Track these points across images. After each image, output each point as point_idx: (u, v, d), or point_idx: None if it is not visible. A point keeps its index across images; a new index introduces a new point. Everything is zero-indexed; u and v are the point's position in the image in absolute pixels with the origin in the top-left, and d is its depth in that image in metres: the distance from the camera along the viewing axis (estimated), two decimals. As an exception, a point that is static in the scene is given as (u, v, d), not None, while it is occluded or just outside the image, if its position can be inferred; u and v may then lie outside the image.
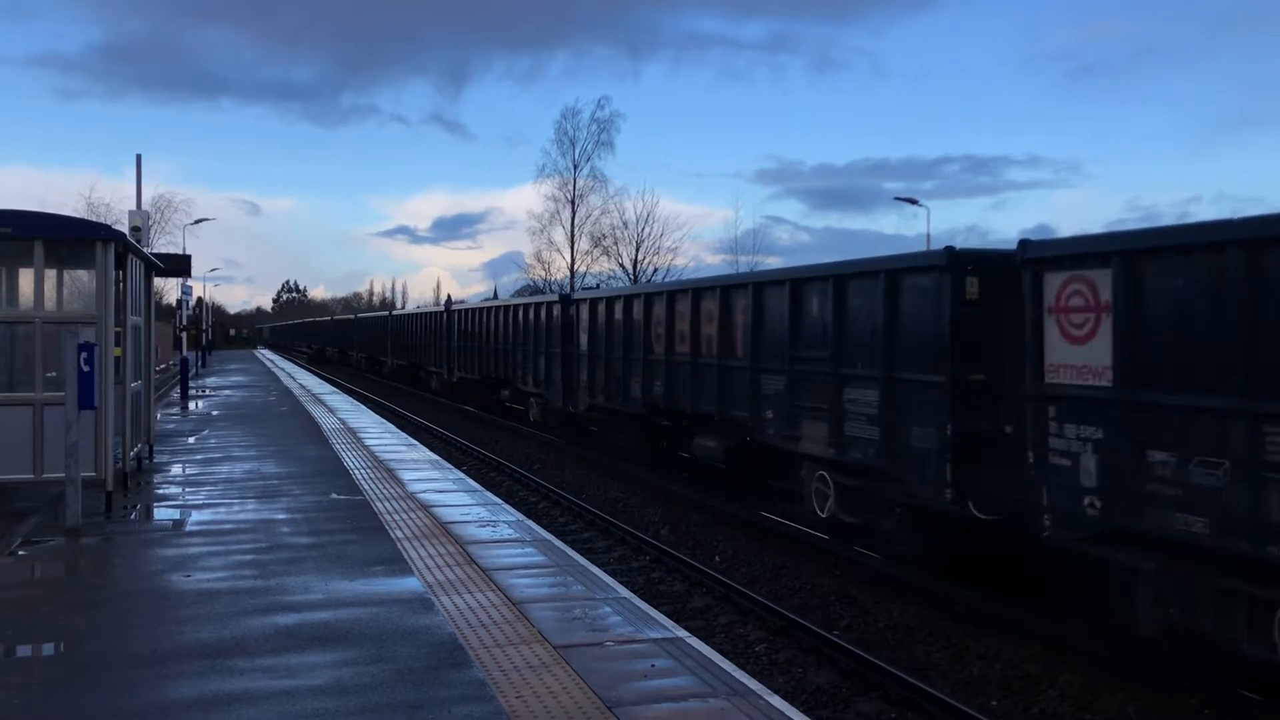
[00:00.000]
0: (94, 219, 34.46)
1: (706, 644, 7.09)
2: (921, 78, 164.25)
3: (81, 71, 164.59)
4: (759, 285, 14.94)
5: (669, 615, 8.08)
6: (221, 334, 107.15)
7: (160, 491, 13.21)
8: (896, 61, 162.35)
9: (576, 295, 25.30)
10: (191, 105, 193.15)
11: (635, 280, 51.90)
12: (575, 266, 56.34)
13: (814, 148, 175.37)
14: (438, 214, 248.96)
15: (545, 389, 25.58)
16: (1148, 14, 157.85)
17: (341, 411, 26.28)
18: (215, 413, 25.67)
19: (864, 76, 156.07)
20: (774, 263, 56.09)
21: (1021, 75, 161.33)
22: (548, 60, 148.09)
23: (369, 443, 18.83)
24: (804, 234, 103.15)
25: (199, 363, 50.52)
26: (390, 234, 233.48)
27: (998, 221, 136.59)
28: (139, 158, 28.04)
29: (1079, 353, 9.01)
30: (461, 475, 15.06)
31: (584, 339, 22.60)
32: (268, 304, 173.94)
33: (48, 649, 6.80)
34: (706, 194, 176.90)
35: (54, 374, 11.08)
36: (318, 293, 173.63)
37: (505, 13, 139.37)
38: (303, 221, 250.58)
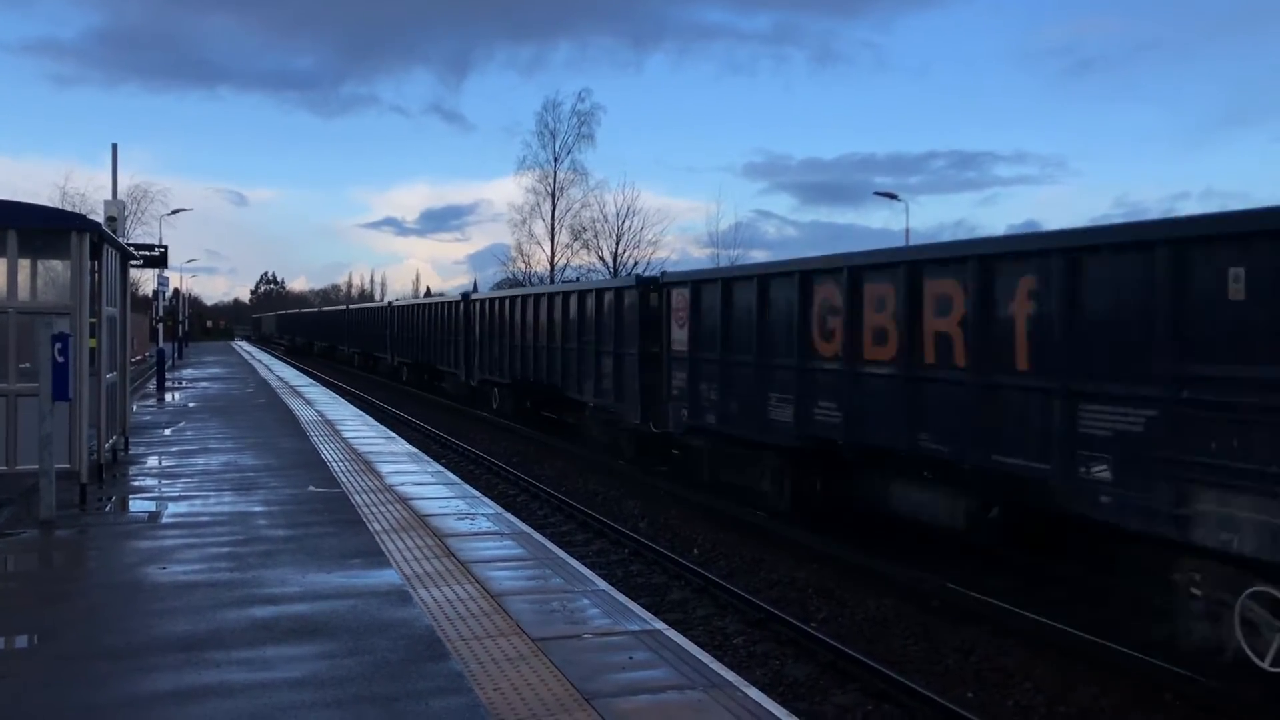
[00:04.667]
0: (68, 209, 34.09)
1: (685, 636, 7.11)
2: (923, 72, 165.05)
3: (78, 58, 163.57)
4: (565, 295, 22.88)
5: (647, 608, 8.09)
6: (199, 325, 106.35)
7: (136, 483, 13.12)
8: (899, 55, 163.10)
9: (474, 296, 32.38)
10: (189, 94, 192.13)
11: (615, 274, 51.92)
12: (555, 259, 56.34)
13: (804, 142, 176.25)
14: (426, 206, 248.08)
15: (455, 368, 33.04)
16: (1144, 11, 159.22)
17: (319, 404, 26.15)
18: (192, 405, 25.49)
19: (867, 70, 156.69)
20: (759, 256, 56.41)
21: (1022, 70, 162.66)
22: (551, 50, 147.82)
23: (347, 435, 18.76)
24: (791, 228, 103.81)
25: (175, 354, 50.15)
26: (376, 225, 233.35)
27: (987, 217, 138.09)
28: (114, 147, 27.61)
29: (680, 334, 16.61)
30: (440, 468, 15.02)
31: (478, 330, 30.16)
32: (247, 295, 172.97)
33: (21, 641, 6.75)
34: (697, 187, 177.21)
35: (27, 365, 10.97)
36: (297, 284, 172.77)
37: (511, 0, 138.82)
38: (289, 212, 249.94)
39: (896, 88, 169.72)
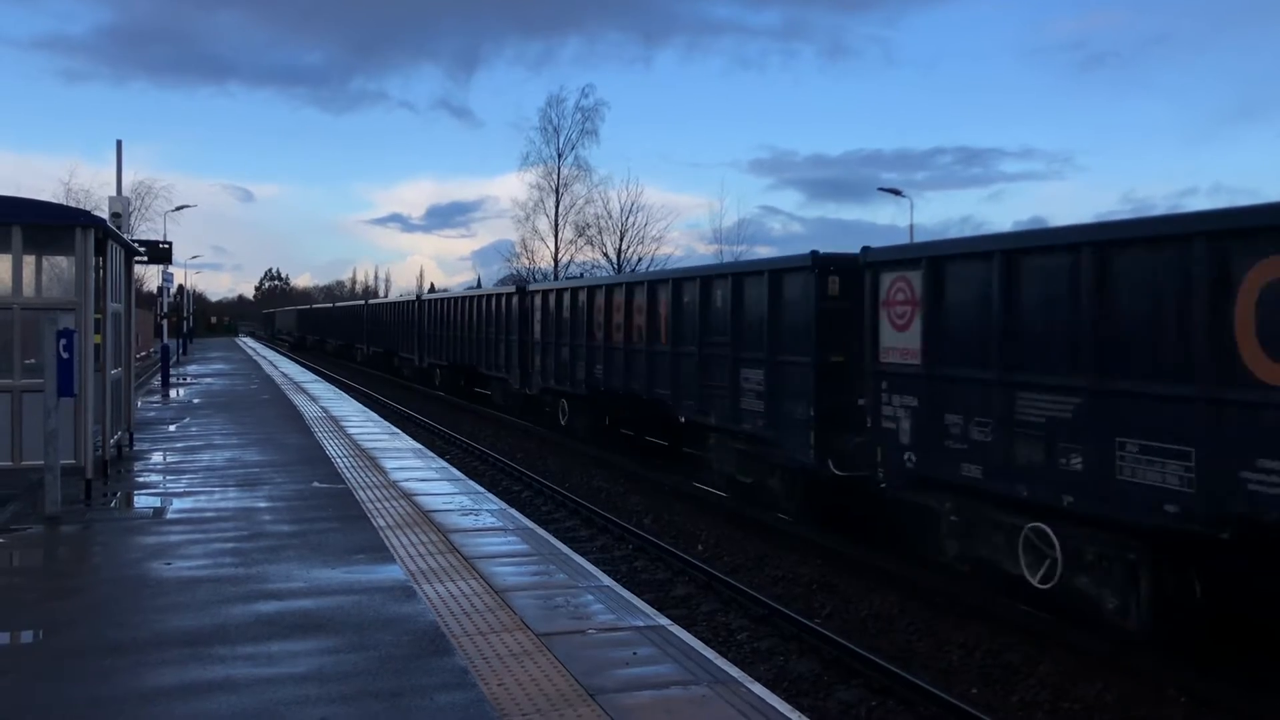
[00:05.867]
0: (73, 205, 34.10)
1: (689, 632, 7.11)
2: (931, 67, 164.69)
3: (87, 54, 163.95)
4: (456, 299, 32.40)
5: (651, 604, 8.10)
6: (203, 322, 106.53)
7: (140, 479, 13.14)
8: (908, 50, 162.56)
9: (371, 301, 48.55)
10: (198, 90, 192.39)
11: (619, 270, 51.94)
12: (559, 256, 56.33)
13: (810, 138, 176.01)
14: (432, 202, 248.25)
15: (361, 344, 52.31)
16: (1155, 5, 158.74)
17: (324, 400, 26.17)
18: (196, 400, 25.52)
19: (875, 65, 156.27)
20: (762, 252, 56.35)
21: (1032, 65, 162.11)
22: (560, 45, 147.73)
23: (351, 431, 18.77)
24: (797, 224, 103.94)
25: (180, 350, 50.20)
26: (382, 221, 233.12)
27: (993, 213, 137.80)
28: (119, 144, 27.50)
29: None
30: (444, 464, 15.03)
31: (370, 324, 49.30)
32: (251, 292, 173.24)
33: (26, 636, 6.77)
34: (703, 183, 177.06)
35: (32, 361, 10.99)
36: (301, 281, 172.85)
37: None
38: (294, 209, 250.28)
39: (904, 83, 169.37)
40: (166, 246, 32.05)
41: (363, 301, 59.39)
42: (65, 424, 10.62)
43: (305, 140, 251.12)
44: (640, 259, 53.78)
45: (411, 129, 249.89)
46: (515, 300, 26.39)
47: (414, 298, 42.89)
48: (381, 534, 9.70)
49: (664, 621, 7.10)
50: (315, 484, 12.65)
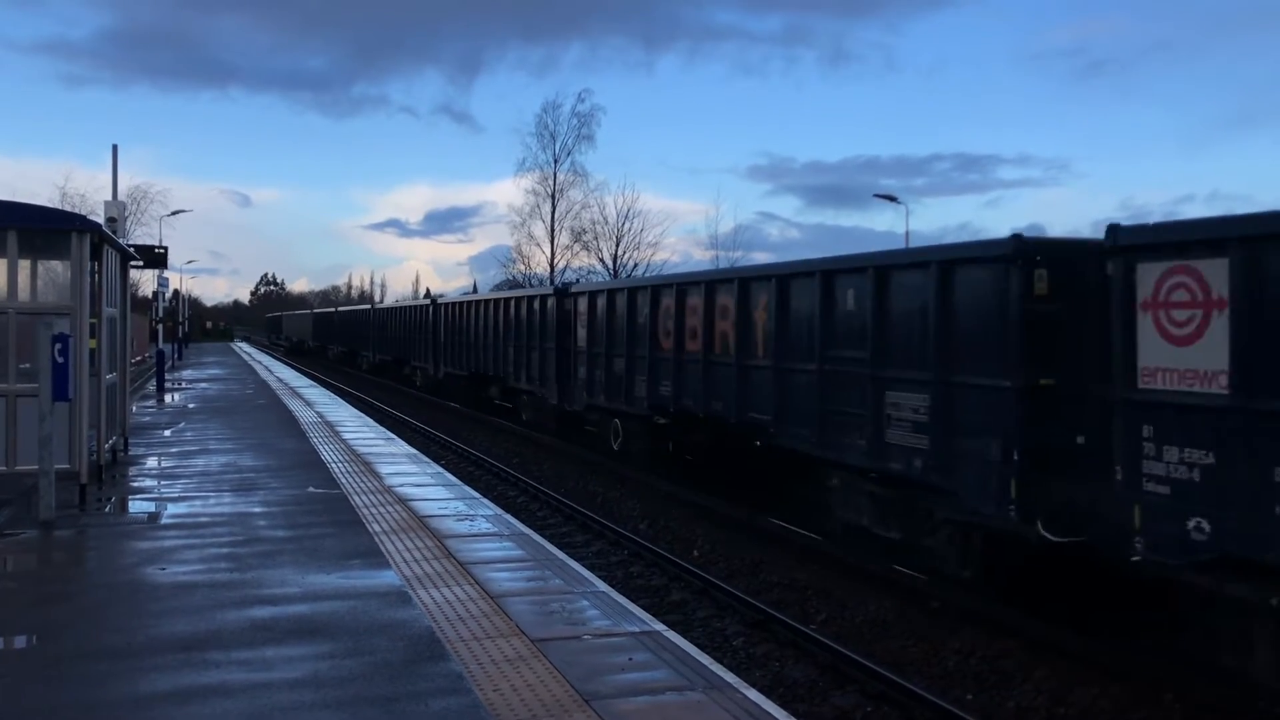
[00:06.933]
0: (68, 209, 34.05)
1: (684, 638, 7.11)
2: (931, 73, 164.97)
3: (89, 58, 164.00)
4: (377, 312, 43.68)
5: (647, 609, 8.09)
6: (199, 326, 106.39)
7: (135, 484, 13.11)
8: (909, 56, 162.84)
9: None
10: (199, 94, 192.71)
11: (615, 275, 52.01)
12: (555, 261, 56.27)
13: (808, 144, 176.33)
14: (430, 207, 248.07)
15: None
16: (1156, 11, 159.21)
17: (319, 405, 26.14)
18: (191, 405, 25.48)
19: (877, 71, 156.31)
20: (761, 258, 56.43)
21: (1032, 72, 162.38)
22: (562, 51, 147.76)
23: (346, 436, 18.75)
24: (794, 230, 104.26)
25: (175, 356, 50.14)
26: (380, 227, 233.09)
27: (991, 219, 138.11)
28: (115, 148, 27.55)
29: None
30: (440, 469, 15.01)
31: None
32: (246, 296, 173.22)
33: (20, 641, 6.74)
34: (701, 189, 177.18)
35: (27, 365, 10.97)
36: (298, 286, 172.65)
37: (524, 1, 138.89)
38: (292, 213, 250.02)
39: (903, 90, 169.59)
40: (162, 251, 32.07)
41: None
42: (60, 429, 10.60)
43: (304, 145, 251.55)
44: (636, 264, 53.83)
45: (412, 134, 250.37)
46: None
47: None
48: (377, 539, 9.68)
49: (659, 627, 7.10)
50: (310, 489, 12.63)
